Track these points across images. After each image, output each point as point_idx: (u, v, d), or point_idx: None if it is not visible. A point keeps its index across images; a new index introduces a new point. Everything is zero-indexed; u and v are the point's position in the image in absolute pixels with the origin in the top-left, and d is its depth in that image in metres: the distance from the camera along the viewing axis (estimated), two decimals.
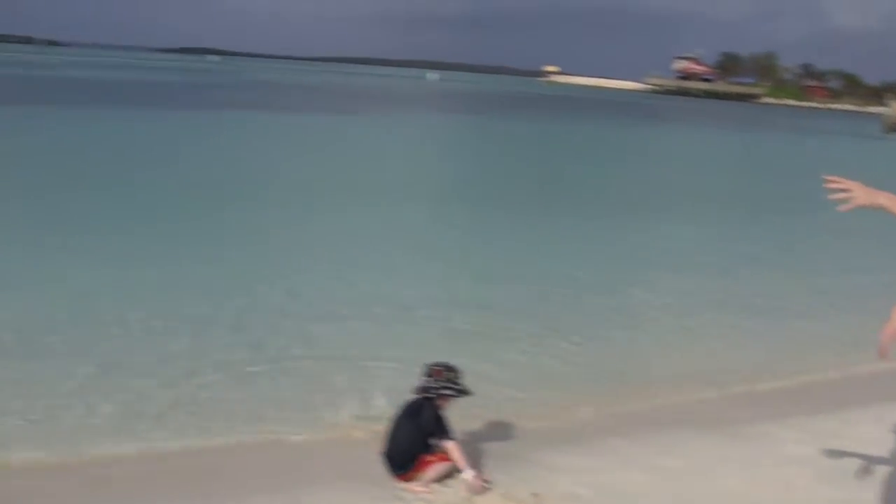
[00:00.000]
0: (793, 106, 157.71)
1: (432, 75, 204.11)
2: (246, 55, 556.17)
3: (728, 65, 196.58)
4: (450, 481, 5.81)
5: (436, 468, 5.77)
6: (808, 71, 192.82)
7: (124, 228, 14.70)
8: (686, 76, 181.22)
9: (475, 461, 6.07)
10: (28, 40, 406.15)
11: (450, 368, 5.86)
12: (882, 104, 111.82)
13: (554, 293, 11.93)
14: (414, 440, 5.76)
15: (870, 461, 5.96)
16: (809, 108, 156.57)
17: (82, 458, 6.42)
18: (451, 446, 5.74)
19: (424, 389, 5.80)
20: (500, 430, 7.07)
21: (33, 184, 18.72)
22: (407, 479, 5.76)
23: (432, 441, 5.76)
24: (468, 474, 5.71)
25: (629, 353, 9.65)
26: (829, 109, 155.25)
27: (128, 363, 8.31)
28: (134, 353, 8.65)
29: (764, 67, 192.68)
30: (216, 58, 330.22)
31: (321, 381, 8.17)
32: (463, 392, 5.86)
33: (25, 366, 8.18)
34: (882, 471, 5.92)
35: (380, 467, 5.88)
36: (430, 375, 5.82)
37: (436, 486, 5.77)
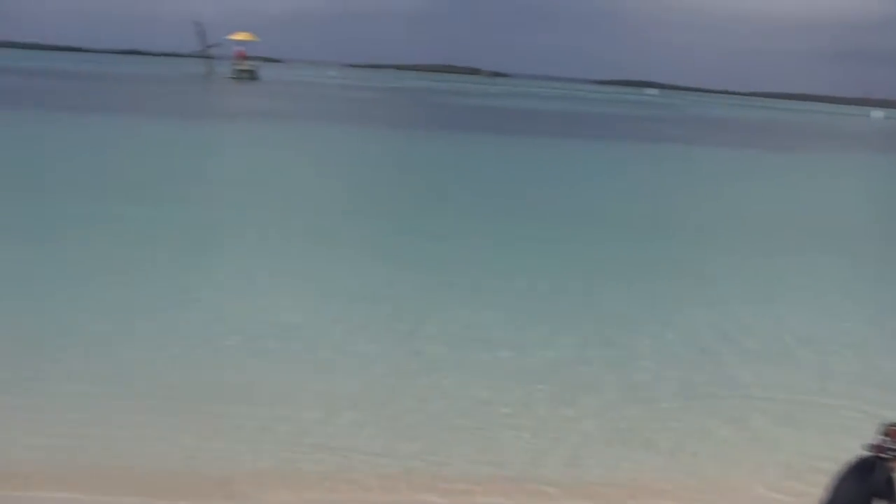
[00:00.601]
0: None
1: (877, 113, 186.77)
2: (682, 88, 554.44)
3: None
4: None
5: None
6: None
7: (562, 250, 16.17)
8: None
9: None
10: (475, 71, 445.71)
11: None
12: None
13: None
14: (858, 498, 5.61)
15: None
16: None
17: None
18: None
19: (879, 448, 5.63)
20: None
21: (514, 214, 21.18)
22: None
23: (877, 503, 5.59)
24: None
25: None
26: None
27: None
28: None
29: None
30: (654, 91, 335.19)
31: (747, 427, 8.38)
32: None
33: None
34: None
35: None
36: (886, 435, 5.63)
37: None
